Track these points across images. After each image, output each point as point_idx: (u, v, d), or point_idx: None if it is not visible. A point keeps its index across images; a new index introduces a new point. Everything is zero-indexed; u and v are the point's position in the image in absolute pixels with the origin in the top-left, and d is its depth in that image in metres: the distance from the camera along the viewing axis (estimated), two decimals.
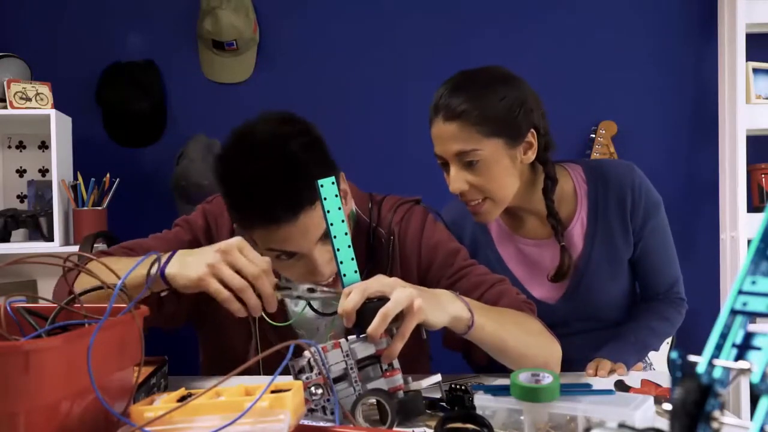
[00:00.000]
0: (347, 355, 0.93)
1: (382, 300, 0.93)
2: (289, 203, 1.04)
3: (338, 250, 0.96)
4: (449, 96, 1.29)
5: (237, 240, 1.00)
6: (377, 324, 0.90)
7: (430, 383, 0.94)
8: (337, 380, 0.93)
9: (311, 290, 1.00)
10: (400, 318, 0.93)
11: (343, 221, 0.96)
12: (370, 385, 0.93)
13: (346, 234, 0.96)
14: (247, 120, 1.12)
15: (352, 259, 0.97)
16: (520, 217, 1.45)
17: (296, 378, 0.93)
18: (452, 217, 1.49)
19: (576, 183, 1.44)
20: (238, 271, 0.98)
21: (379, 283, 0.95)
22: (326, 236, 1.06)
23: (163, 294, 1.09)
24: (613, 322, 1.47)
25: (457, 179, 1.31)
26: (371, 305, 0.92)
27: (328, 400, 0.91)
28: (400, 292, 0.93)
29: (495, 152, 1.29)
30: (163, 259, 1.01)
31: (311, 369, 0.92)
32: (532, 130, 1.32)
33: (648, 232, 1.43)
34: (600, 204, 1.42)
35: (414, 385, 0.93)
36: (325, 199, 0.96)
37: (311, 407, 0.92)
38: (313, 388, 0.91)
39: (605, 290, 1.44)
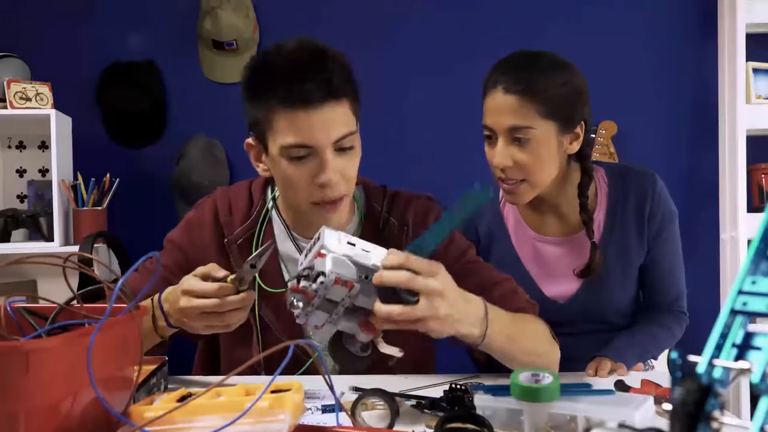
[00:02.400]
0: (348, 296, 0.90)
1: (411, 293, 0.90)
2: (316, 85, 1.07)
3: None
4: (512, 71, 1.29)
5: (180, 284, 1.04)
6: (389, 311, 0.89)
7: (390, 351, 0.94)
8: (321, 306, 0.90)
9: (252, 266, 0.99)
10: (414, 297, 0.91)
11: None
12: (344, 324, 0.92)
13: None
14: None
15: None
16: (541, 212, 1.45)
17: (297, 278, 0.91)
18: None
19: (597, 184, 1.44)
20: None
21: (426, 262, 0.92)
22: (342, 149, 1.12)
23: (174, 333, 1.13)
24: (617, 326, 1.47)
25: (503, 154, 1.30)
26: (402, 295, 0.90)
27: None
28: (434, 301, 0.91)
29: (546, 134, 1.29)
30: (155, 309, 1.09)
31: (314, 280, 0.89)
32: (582, 122, 1.34)
33: (661, 241, 1.44)
34: (619, 207, 1.42)
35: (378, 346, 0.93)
36: None
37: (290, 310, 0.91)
38: (295, 300, 0.89)
39: (615, 293, 1.44)
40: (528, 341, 1.13)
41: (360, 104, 1.18)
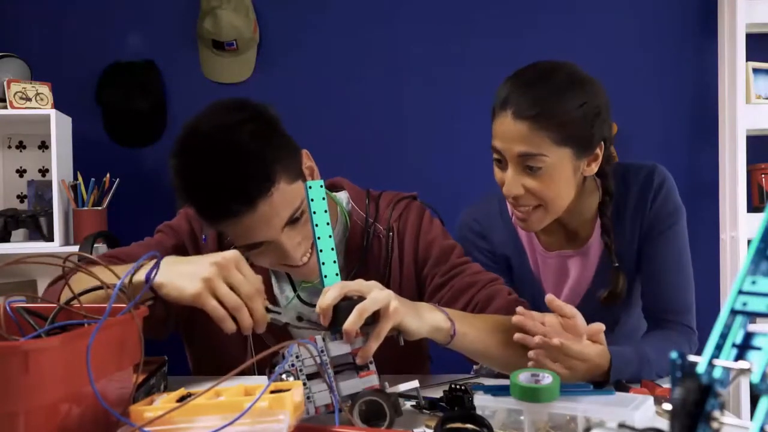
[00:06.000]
0: (321, 351, 0.91)
1: (360, 299, 0.92)
2: (243, 195, 1.02)
3: (321, 251, 0.96)
4: (524, 91, 1.18)
5: (233, 254, 0.98)
6: (353, 320, 0.89)
7: (407, 388, 0.93)
8: (312, 377, 0.90)
9: (299, 318, 0.98)
10: (376, 320, 0.92)
11: (328, 224, 0.96)
12: (344, 384, 0.91)
13: (330, 237, 0.96)
14: (198, 112, 1.11)
15: (334, 261, 0.96)
16: (548, 228, 1.34)
17: (270, 369, 0.92)
18: (480, 217, 1.43)
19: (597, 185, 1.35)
20: (233, 288, 0.96)
21: (357, 283, 0.94)
22: (292, 221, 1.08)
23: (148, 303, 1.07)
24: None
25: (514, 182, 1.21)
26: (348, 303, 0.91)
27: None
28: (377, 293, 0.92)
29: (560, 161, 1.19)
30: (148, 267, 0.99)
31: (284, 358, 0.89)
32: (602, 142, 1.23)
33: (663, 241, 1.33)
34: (621, 210, 1.34)
35: (391, 389, 0.91)
36: (312, 200, 0.96)
37: None
38: (284, 376, 0.88)
39: (621, 305, 1.37)
40: (507, 336, 1.08)
41: (301, 153, 1.14)
